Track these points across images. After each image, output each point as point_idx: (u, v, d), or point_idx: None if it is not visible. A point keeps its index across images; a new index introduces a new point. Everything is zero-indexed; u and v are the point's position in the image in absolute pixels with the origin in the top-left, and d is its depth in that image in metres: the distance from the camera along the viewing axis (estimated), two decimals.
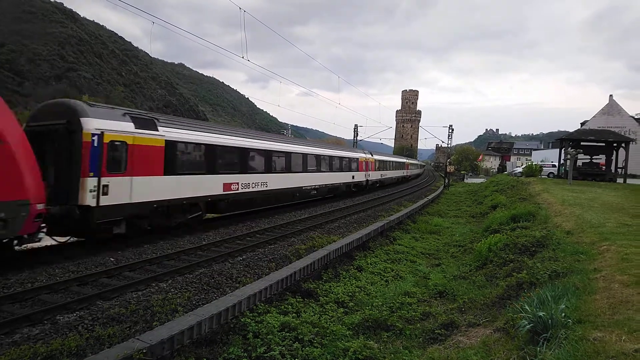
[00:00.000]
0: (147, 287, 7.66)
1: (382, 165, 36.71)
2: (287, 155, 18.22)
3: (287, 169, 18.21)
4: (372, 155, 32.74)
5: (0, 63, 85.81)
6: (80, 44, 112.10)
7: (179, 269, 8.71)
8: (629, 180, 30.87)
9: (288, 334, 5.90)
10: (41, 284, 7.31)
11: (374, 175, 33.00)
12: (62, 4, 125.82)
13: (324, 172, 22.51)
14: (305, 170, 19.95)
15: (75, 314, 6.28)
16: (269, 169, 16.51)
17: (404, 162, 52.35)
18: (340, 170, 25.11)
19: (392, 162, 42.93)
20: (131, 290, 7.42)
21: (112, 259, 9.26)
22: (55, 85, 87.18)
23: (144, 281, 7.84)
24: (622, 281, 5.56)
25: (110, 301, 6.87)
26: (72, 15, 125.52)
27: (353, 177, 27.17)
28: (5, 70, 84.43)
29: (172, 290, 7.50)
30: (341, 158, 25.26)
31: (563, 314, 4.74)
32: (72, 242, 10.38)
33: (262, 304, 6.63)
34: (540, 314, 4.77)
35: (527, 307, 5.18)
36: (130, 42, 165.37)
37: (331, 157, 23.62)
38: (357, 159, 28.51)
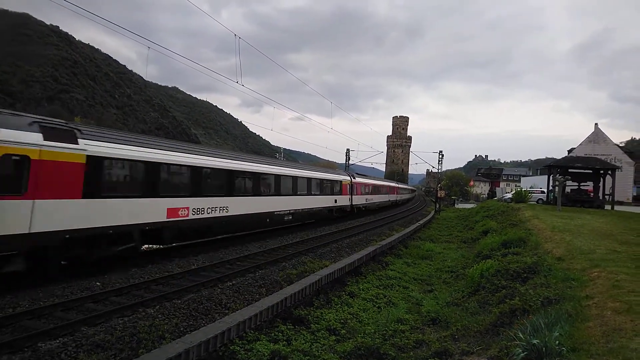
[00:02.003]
0: (133, 313, 7.46)
1: (369, 189, 35.08)
2: (255, 175, 16.38)
3: (255, 192, 16.37)
4: (356, 178, 31.30)
5: None
6: (74, 67, 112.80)
7: (167, 294, 8.52)
8: (616, 207, 31.35)
9: None
10: (23, 309, 7.07)
11: (359, 200, 31.30)
12: (58, 27, 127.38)
13: (301, 195, 20.66)
14: (278, 193, 18.25)
15: (58, 341, 6.06)
16: (230, 191, 14.59)
17: (393, 187, 50.50)
18: (321, 193, 23.28)
19: (380, 186, 41.12)
20: (117, 316, 7.22)
21: (98, 283, 9.03)
22: (47, 107, 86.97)
23: (130, 306, 7.64)
24: (614, 308, 5.56)
25: (96, 327, 6.66)
26: (67, 38, 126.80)
27: (335, 201, 25.50)
28: None
29: (160, 316, 7.31)
30: (321, 180, 23.37)
31: (557, 342, 4.71)
32: (62, 264, 10.11)
33: (252, 331, 6.48)
34: (534, 341, 4.73)
35: (520, 335, 5.14)
36: (124, 66, 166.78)
37: (309, 179, 21.75)
38: (340, 181, 26.87)
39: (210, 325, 6.09)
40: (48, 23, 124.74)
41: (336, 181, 25.99)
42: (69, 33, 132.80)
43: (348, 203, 28.22)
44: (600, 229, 14.73)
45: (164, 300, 8.28)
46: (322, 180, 23.55)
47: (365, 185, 34.01)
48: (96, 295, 8.12)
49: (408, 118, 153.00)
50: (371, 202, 36.05)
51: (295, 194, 20.09)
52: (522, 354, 4.73)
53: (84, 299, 7.88)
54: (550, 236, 13.33)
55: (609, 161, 41.02)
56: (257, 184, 16.60)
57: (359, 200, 31.25)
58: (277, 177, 18.34)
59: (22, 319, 6.74)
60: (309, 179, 21.79)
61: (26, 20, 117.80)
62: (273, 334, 6.73)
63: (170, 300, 8.30)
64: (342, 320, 7.75)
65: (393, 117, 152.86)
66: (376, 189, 38.53)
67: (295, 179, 20.22)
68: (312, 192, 22.09)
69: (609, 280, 6.98)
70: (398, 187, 55.26)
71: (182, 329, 6.80)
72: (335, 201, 25.46)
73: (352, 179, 29.61)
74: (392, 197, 48.39)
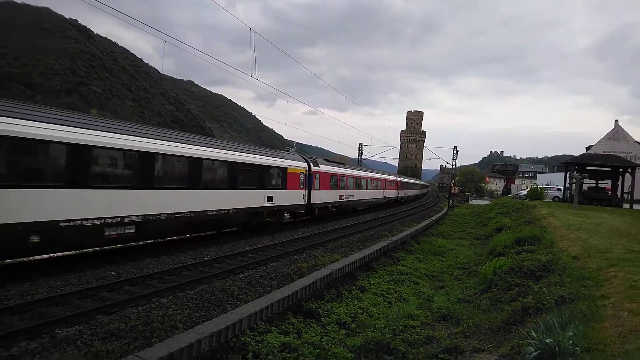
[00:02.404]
0: (147, 303, 7.59)
1: (344, 183, 25.65)
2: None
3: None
4: (320, 166, 22.19)
5: (14, 76, 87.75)
6: (92, 60, 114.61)
7: (180, 285, 8.65)
8: (635, 206, 30.57)
9: (288, 354, 5.78)
10: (41, 297, 7.27)
11: (324, 197, 22.14)
12: (77, 20, 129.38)
13: (167, 189, 11.32)
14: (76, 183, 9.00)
15: (74, 328, 6.21)
16: None
17: (390, 180, 39.50)
18: (236, 186, 14.32)
19: (365, 178, 30.62)
20: (131, 305, 7.36)
21: (113, 273, 9.22)
22: (65, 99, 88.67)
23: (144, 296, 7.78)
24: (631, 309, 5.44)
25: (110, 316, 6.80)
26: (86, 32, 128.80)
27: (270, 198, 16.45)
28: (17, 83, 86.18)
29: (173, 306, 7.42)
30: (235, 164, 14.27)
31: (571, 342, 4.63)
32: (72, 254, 10.34)
33: (263, 323, 6.53)
34: (547, 340, 4.66)
35: (533, 333, 5.07)
36: (141, 59, 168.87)
37: (195, 161, 12.26)
38: (283, 168, 17.65)
39: (222, 316, 6.16)
40: (67, 17, 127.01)
41: (272, 167, 16.80)
42: (88, 27, 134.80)
43: (300, 202, 19.28)
44: (618, 228, 14.41)
45: (177, 290, 8.41)
46: (237, 164, 14.41)
47: (338, 176, 24.60)
48: (111, 285, 8.28)
49: (422, 113, 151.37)
50: (350, 199, 26.81)
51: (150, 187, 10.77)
52: (534, 353, 4.67)
53: (99, 287, 8.05)
54: (566, 234, 13.09)
55: (629, 159, 39.97)
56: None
57: (323, 197, 22.10)
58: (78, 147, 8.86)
59: (40, 306, 6.92)
60: (193, 161, 12.25)
61: (46, 14, 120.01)
62: (284, 327, 6.78)
63: (183, 291, 8.42)
64: (352, 315, 7.76)
65: (407, 112, 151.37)
66: (358, 183, 28.89)
67: (146, 155, 10.59)
68: (209, 185, 13.07)
69: (626, 280, 6.83)
70: (399, 181, 44.14)
71: (194, 319, 6.89)
72: (270, 199, 16.50)
73: (312, 166, 20.91)
74: (390, 194, 38.65)
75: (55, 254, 9.96)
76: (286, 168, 18.09)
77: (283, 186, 17.75)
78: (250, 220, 15.72)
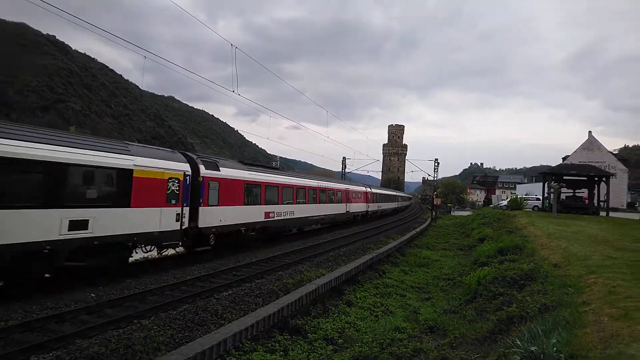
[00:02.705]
0: (128, 324, 7.37)
1: (271, 195, 17.76)
2: None
3: None
4: (218, 169, 14.28)
5: None
6: (70, 76, 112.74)
7: (162, 305, 8.43)
8: (611, 214, 31.50)
9: None
10: (15, 322, 6.97)
11: (228, 216, 14.46)
12: (55, 36, 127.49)
13: None
14: None
15: (51, 354, 5.97)
16: None
17: (359, 192, 32.72)
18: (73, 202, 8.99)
19: (314, 189, 23.00)
20: (112, 328, 7.13)
21: (92, 295, 8.93)
22: (42, 116, 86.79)
23: (125, 318, 7.56)
24: (611, 314, 5.56)
25: (90, 339, 6.57)
26: (64, 48, 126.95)
27: (76, 225, 8.95)
28: None
29: (155, 327, 7.22)
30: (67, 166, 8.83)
31: (555, 349, 4.69)
32: (49, 277, 9.98)
33: (249, 342, 6.41)
34: (532, 348, 4.71)
35: (518, 342, 5.12)
36: (120, 75, 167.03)
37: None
38: (128, 170, 10.36)
39: (207, 336, 6.03)
40: (45, 33, 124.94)
41: (117, 170, 10.20)
42: (66, 43, 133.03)
43: (172, 227, 11.79)
44: (596, 236, 14.79)
45: (159, 311, 8.20)
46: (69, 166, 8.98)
47: (259, 184, 16.92)
48: (90, 307, 8.01)
49: (404, 126, 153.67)
50: (285, 218, 19.09)
51: None
52: None
53: (77, 310, 7.78)
54: (547, 243, 13.36)
55: (603, 168, 41.34)
56: None
57: (227, 216, 14.53)
58: None
59: (14, 332, 6.63)
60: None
61: (23, 30, 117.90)
62: (270, 345, 6.67)
63: (166, 311, 8.21)
64: (339, 330, 7.70)
65: (389, 126, 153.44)
66: (301, 194, 21.19)
67: None
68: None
69: (606, 286, 6.99)
70: (370, 193, 36.29)
71: (177, 340, 6.72)
72: (76, 226, 9.08)
73: (201, 169, 13.36)
74: (356, 208, 31.34)
75: (31, 278, 9.58)
76: (131, 170, 10.52)
77: (121, 202, 10.30)
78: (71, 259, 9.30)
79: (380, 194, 42.36)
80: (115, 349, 6.06)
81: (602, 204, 32.70)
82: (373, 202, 37.19)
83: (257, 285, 10.79)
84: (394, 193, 58.35)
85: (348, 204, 29.35)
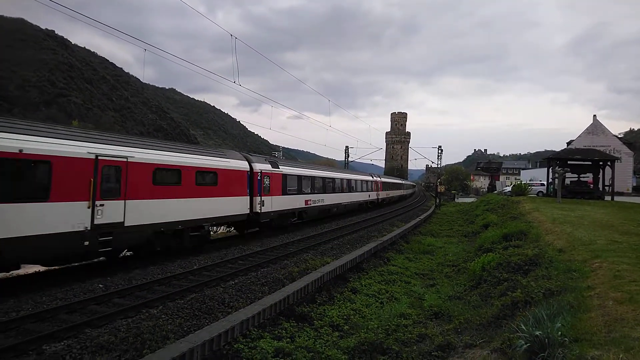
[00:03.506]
0: (137, 314, 7.48)
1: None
2: None
3: None
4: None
5: None
6: (70, 70, 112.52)
7: (170, 295, 8.54)
8: (615, 198, 31.36)
9: (282, 359, 5.76)
10: (27, 313, 7.09)
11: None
12: (54, 31, 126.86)
13: None
14: None
15: (62, 343, 6.08)
16: None
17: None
18: None
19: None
20: (121, 318, 7.24)
21: (101, 285, 9.05)
22: (44, 111, 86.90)
23: (134, 307, 7.67)
24: (615, 298, 5.58)
25: (99, 329, 6.68)
26: (63, 43, 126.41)
27: None
28: None
29: (163, 316, 7.33)
30: None
31: (559, 333, 4.72)
32: (57, 268, 10.12)
33: (256, 329, 6.49)
34: (537, 333, 4.74)
35: (523, 327, 5.15)
36: (121, 68, 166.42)
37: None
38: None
39: (214, 324, 6.11)
40: (43, 27, 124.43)
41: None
42: (65, 37, 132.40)
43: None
44: (601, 220, 14.75)
45: (167, 300, 8.30)
46: None
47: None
48: (99, 297, 8.14)
49: (406, 114, 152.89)
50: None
51: None
52: (524, 346, 4.75)
53: (87, 301, 7.90)
54: (551, 228, 13.34)
55: (608, 152, 41.02)
56: None
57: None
58: None
59: (26, 322, 6.76)
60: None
61: (21, 25, 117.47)
62: (277, 332, 6.75)
63: (173, 301, 8.32)
64: (345, 316, 7.77)
65: (391, 114, 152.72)
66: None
67: None
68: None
69: (610, 270, 7.00)
70: (381, 182, 39.29)
71: (185, 328, 6.81)
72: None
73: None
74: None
75: (41, 269, 9.73)
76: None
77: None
78: None
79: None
80: (125, 338, 6.15)
81: (607, 188, 32.54)
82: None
83: (263, 273, 10.88)
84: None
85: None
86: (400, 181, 60.87)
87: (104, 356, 5.57)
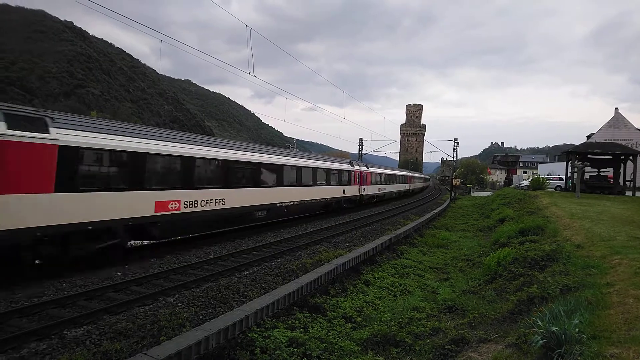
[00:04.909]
0: (154, 302, 7.64)
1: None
2: None
3: None
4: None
5: (12, 80, 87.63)
6: (89, 61, 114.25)
7: (186, 283, 8.68)
8: (637, 194, 30.53)
9: (296, 349, 5.82)
10: (48, 299, 7.31)
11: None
12: (72, 22, 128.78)
13: None
14: None
15: (82, 329, 6.26)
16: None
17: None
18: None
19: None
20: (138, 305, 7.40)
21: (118, 273, 9.26)
22: (64, 102, 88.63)
23: (151, 295, 7.82)
24: (636, 296, 5.45)
25: (118, 315, 6.85)
26: (81, 34, 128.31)
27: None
28: (16, 88, 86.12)
29: (179, 304, 7.47)
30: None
31: (577, 329, 4.64)
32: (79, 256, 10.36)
33: (270, 319, 6.57)
34: (554, 329, 4.67)
35: (539, 322, 5.08)
36: (138, 60, 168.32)
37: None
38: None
39: (229, 313, 6.20)
40: (62, 19, 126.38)
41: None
42: (83, 28, 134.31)
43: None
44: (621, 216, 14.40)
45: (183, 289, 8.45)
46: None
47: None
48: (117, 285, 8.32)
49: (422, 106, 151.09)
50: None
51: None
52: (540, 342, 4.69)
53: (105, 288, 8.09)
54: (569, 223, 13.09)
55: (630, 146, 39.83)
56: None
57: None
58: None
59: (47, 307, 6.97)
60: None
61: (41, 17, 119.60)
62: (290, 322, 6.81)
63: (189, 289, 8.46)
64: (358, 308, 7.80)
65: (407, 105, 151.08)
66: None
67: None
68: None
69: (631, 267, 6.84)
70: (411, 177, 49.81)
71: (201, 317, 6.94)
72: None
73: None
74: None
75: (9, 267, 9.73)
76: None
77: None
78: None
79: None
80: (142, 325, 6.30)
81: (628, 183, 31.67)
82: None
83: (276, 264, 10.98)
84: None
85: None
86: (404, 173, 50.94)
87: (123, 342, 5.71)
